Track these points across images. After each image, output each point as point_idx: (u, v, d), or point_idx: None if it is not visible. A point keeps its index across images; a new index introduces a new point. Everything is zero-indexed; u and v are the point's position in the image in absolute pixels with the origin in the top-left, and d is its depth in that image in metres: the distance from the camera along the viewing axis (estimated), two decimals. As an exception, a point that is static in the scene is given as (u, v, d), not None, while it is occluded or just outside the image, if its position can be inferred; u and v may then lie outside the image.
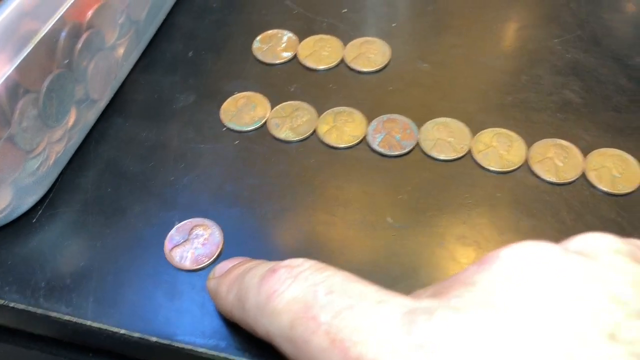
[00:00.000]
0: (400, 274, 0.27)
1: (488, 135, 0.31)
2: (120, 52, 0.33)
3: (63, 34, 0.27)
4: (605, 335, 0.15)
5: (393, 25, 0.37)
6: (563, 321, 0.15)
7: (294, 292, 0.18)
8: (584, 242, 0.18)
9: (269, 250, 0.28)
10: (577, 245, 0.18)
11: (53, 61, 0.27)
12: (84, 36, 0.29)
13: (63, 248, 0.29)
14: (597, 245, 0.18)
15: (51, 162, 0.29)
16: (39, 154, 0.28)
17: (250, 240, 0.28)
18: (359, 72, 0.35)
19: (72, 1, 0.27)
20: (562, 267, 0.16)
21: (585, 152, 0.30)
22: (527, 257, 0.17)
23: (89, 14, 0.29)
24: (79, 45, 0.28)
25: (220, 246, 0.28)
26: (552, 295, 0.16)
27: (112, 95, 0.34)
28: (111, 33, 0.31)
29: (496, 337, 0.15)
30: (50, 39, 0.27)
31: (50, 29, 0.26)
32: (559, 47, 0.35)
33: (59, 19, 0.27)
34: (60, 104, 0.28)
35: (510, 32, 0.37)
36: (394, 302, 0.17)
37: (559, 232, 0.28)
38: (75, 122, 0.30)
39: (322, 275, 0.18)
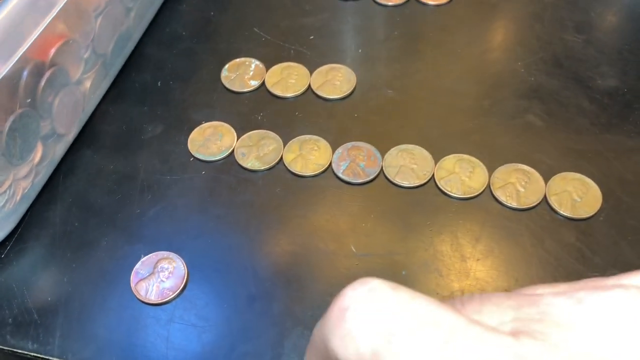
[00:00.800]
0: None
1: (450, 162, 0.32)
2: (87, 85, 0.33)
3: (25, 73, 0.27)
4: None
5: (359, 51, 0.38)
6: None
7: (372, 314, 0.17)
8: None
9: (233, 282, 0.28)
10: None
11: (15, 101, 0.27)
12: (47, 74, 0.29)
13: (31, 283, 0.29)
14: None
15: (18, 198, 0.30)
16: (4, 192, 0.28)
17: (214, 272, 0.29)
18: (325, 99, 0.35)
19: (32, 40, 0.27)
20: None
21: (547, 176, 0.31)
22: (624, 308, 0.16)
23: (52, 51, 0.29)
24: (42, 83, 0.29)
25: (185, 279, 0.28)
26: None
27: (80, 127, 0.34)
28: (76, 68, 0.31)
29: None
30: (12, 79, 0.27)
31: (11, 68, 0.27)
32: (522, 70, 0.36)
33: (20, 58, 0.27)
34: (24, 142, 0.29)
35: (475, 56, 0.37)
36: (494, 340, 0.16)
37: (518, 259, 0.28)
38: (42, 158, 0.31)
39: (398, 296, 0.17)
